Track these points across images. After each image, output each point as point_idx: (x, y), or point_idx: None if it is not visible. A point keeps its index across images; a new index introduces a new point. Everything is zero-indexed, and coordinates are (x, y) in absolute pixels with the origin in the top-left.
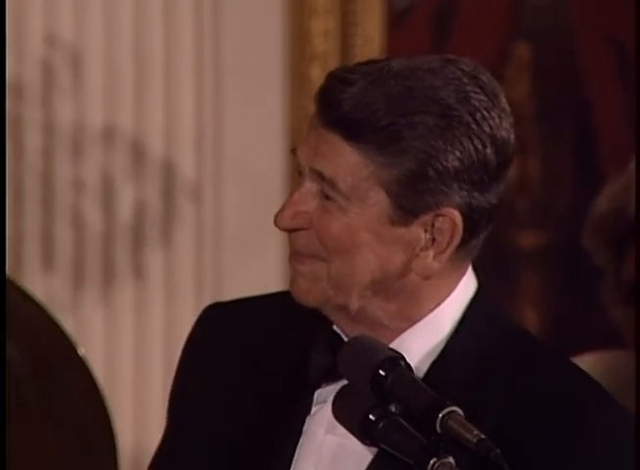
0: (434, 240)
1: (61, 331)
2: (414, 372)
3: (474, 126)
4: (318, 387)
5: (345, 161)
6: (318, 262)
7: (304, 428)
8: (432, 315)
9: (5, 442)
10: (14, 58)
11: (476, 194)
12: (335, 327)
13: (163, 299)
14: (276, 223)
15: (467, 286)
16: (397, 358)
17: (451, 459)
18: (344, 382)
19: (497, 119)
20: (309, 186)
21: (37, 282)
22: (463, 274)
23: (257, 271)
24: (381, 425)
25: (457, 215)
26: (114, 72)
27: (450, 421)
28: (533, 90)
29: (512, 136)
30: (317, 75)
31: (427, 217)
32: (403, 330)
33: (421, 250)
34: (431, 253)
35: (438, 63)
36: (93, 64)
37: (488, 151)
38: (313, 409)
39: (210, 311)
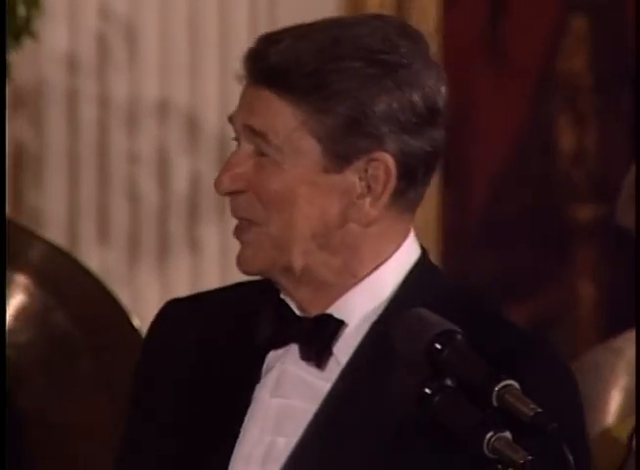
0: (369, 187)
1: (116, 303)
2: (468, 345)
3: (399, 71)
4: (266, 354)
5: (275, 112)
6: (259, 227)
7: (253, 395)
8: (374, 275)
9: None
10: (69, 32)
11: (406, 138)
12: (282, 295)
13: (218, 271)
14: (216, 188)
15: (410, 248)
16: (454, 332)
17: (508, 433)
18: (292, 347)
19: (422, 67)
20: (245, 147)
21: (93, 255)
22: (405, 232)
23: None
24: (437, 398)
25: (390, 160)
26: (168, 46)
27: (507, 395)
28: (591, 62)
29: (441, 86)
30: None
31: (360, 163)
32: (348, 289)
33: (357, 197)
34: (367, 200)
35: (366, 17)
36: (148, 37)
37: (415, 95)
38: (262, 378)
39: (168, 307)
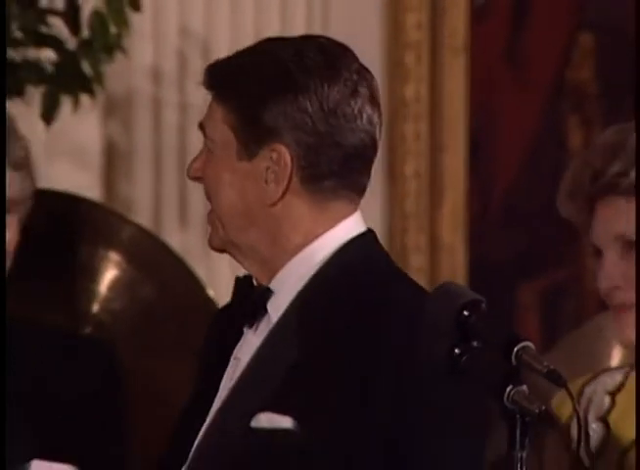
0: (276, 174)
1: (194, 277)
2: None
3: (299, 80)
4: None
5: (213, 112)
6: (213, 210)
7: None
8: (306, 250)
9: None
10: (154, 48)
11: (301, 134)
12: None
13: None
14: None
15: (347, 228)
16: (479, 301)
17: (524, 387)
18: (266, 315)
19: (325, 78)
20: (203, 145)
21: (174, 236)
22: (339, 216)
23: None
24: (464, 358)
25: (284, 151)
26: None
27: (524, 355)
28: (597, 73)
29: (347, 95)
30: (410, 62)
31: (264, 153)
32: (284, 263)
33: (265, 182)
34: (272, 185)
35: (297, 37)
36: (220, 51)
37: (310, 100)
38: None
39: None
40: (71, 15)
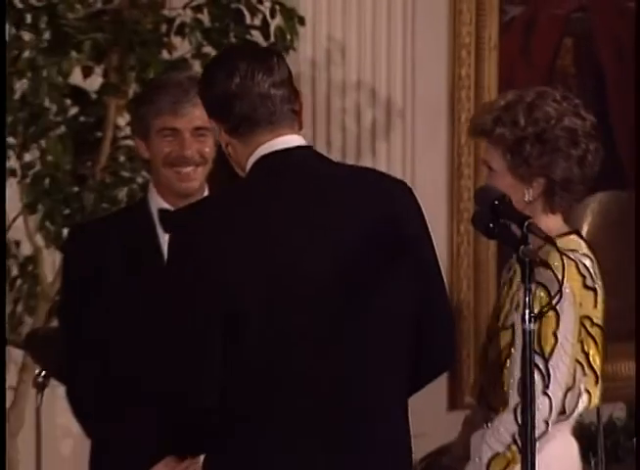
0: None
1: None
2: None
3: (207, 76)
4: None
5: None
6: None
7: None
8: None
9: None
10: (311, 48)
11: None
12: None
13: None
14: None
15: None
16: (504, 195)
17: (531, 246)
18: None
19: (260, 78)
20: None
21: None
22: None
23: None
24: (496, 230)
25: (215, 124)
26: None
27: (530, 226)
28: (573, 61)
29: (239, 84)
30: (464, 55)
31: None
32: None
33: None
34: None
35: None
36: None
37: (211, 92)
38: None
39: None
40: (264, 29)
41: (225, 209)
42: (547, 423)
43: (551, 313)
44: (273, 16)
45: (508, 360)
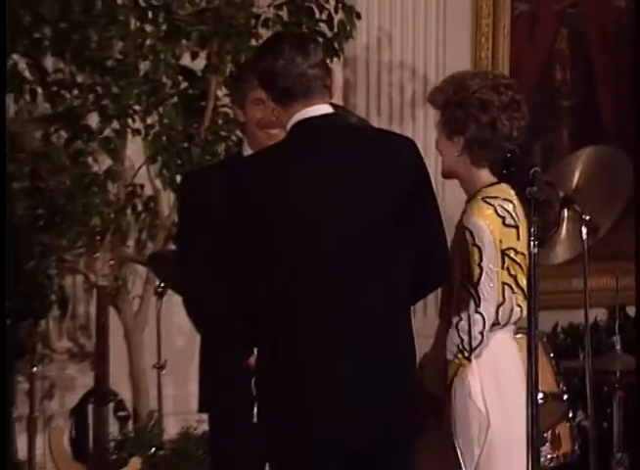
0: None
1: None
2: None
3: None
4: None
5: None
6: None
7: None
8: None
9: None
10: (364, 37)
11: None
12: None
13: None
14: None
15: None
16: (514, 150)
17: (535, 188)
18: None
19: (299, 60)
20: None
21: None
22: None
23: None
24: (509, 176)
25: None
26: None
27: (537, 174)
28: (568, 45)
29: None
30: (483, 40)
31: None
32: None
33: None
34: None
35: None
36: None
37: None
38: None
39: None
40: (329, 22)
41: (270, 160)
42: (482, 334)
43: (475, 249)
44: (336, 12)
45: (452, 288)
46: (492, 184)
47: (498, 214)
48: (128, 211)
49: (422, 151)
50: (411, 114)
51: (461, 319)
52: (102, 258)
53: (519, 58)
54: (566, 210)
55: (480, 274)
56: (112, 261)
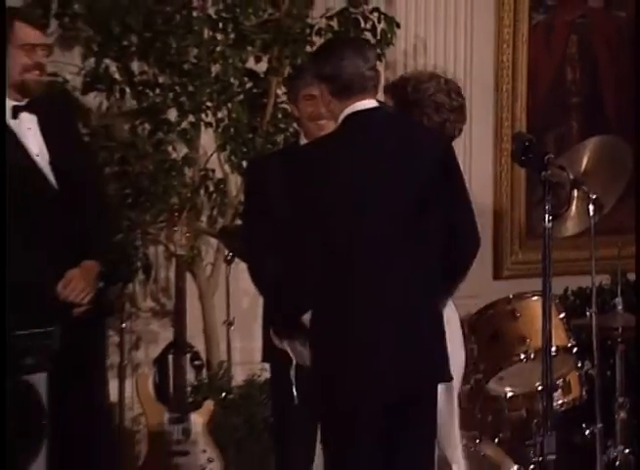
0: None
1: None
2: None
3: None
4: None
5: None
6: None
7: None
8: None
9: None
10: (402, 43)
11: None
12: None
13: None
14: None
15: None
16: (532, 138)
17: (550, 172)
18: None
19: (359, 63)
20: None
21: None
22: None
23: None
24: (526, 161)
25: (324, 88)
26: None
27: (550, 159)
28: (577, 49)
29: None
30: (504, 46)
31: None
32: None
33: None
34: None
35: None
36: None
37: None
38: None
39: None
40: (373, 31)
41: (323, 148)
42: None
43: None
44: (379, 22)
45: None
46: None
47: None
48: (202, 192)
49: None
50: None
51: None
52: (180, 231)
53: (535, 61)
54: (575, 190)
55: None
56: (188, 234)
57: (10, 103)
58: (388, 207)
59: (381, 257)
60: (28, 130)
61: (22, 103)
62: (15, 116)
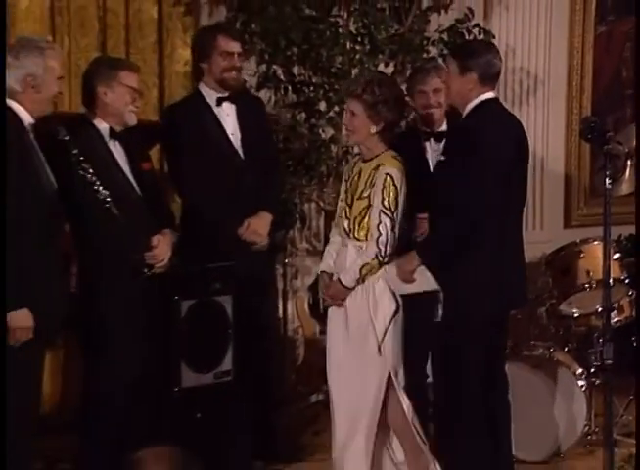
0: None
1: None
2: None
3: None
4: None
5: None
6: None
7: None
8: None
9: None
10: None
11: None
12: None
13: None
14: None
15: None
16: (596, 121)
17: (610, 146)
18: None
19: (499, 62)
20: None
21: None
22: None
23: None
24: (592, 138)
25: (472, 76)
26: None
27: (610, 136)
28: (631, 55)
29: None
30: (575, 52)
31: None
32: None
33: None
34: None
35: None
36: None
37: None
38: None
39: None
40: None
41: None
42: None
43: (393, 188)
44: (479, 34)
45: (367, 214)
46: (386, 150)
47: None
48: (343, 163)
49: (533, 127)
50: (526, 99)
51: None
52: (327, 192)
53: (599, 63)
54: (629, 160)
55: (397, 206)
56: (333, 195)
57: (215, 95)
58: (513, 171)
59: (507, 208)
60: (227, 116)
61: (224, 95)
62: (219, 103)
